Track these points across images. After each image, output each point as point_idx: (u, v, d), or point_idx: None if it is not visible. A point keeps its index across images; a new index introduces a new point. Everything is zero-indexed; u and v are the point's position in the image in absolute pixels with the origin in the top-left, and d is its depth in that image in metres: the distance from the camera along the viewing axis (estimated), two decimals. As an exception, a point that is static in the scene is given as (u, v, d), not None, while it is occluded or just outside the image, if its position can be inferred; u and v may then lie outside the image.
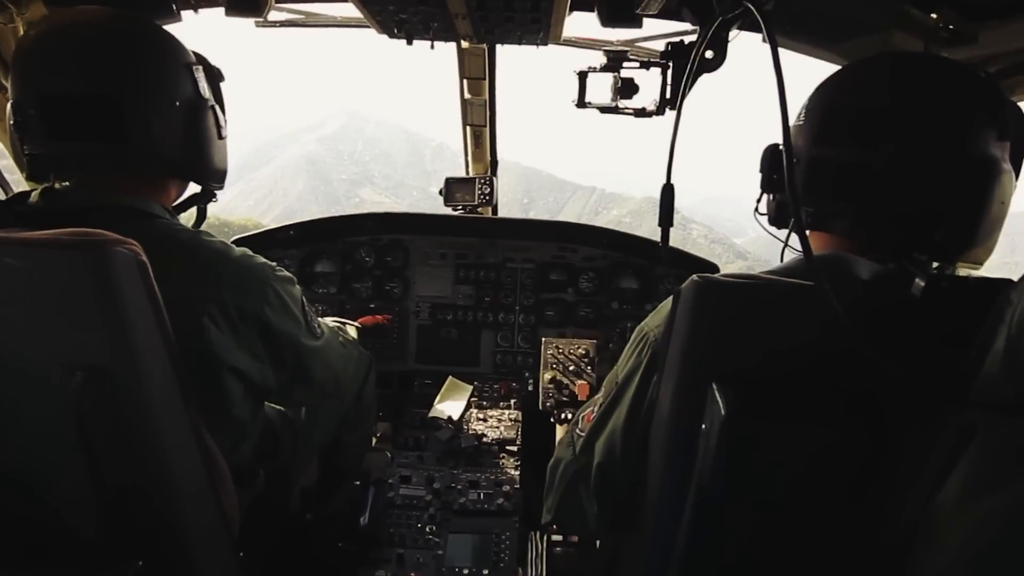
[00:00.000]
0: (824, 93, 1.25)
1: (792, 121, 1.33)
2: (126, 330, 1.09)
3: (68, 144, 1.34)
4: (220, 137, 1.54)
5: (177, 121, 1.41)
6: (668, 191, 1.40)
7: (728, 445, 0.98)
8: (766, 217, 1.41)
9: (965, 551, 0.82)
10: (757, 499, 1.05)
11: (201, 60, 1.51)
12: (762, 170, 1.35)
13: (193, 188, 1.62)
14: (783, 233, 1.38)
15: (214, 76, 1.57)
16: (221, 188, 1.62)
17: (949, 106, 1.13)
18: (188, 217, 1.60)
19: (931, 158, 1.12)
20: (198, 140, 1.47)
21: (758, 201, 1.44)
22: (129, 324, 1.09)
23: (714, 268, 2.82)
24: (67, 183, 1.37)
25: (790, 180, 0.99)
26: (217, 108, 1.53)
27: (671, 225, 1.44)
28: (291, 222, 3.02)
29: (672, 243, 1.61)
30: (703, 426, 1.03)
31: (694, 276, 1.06)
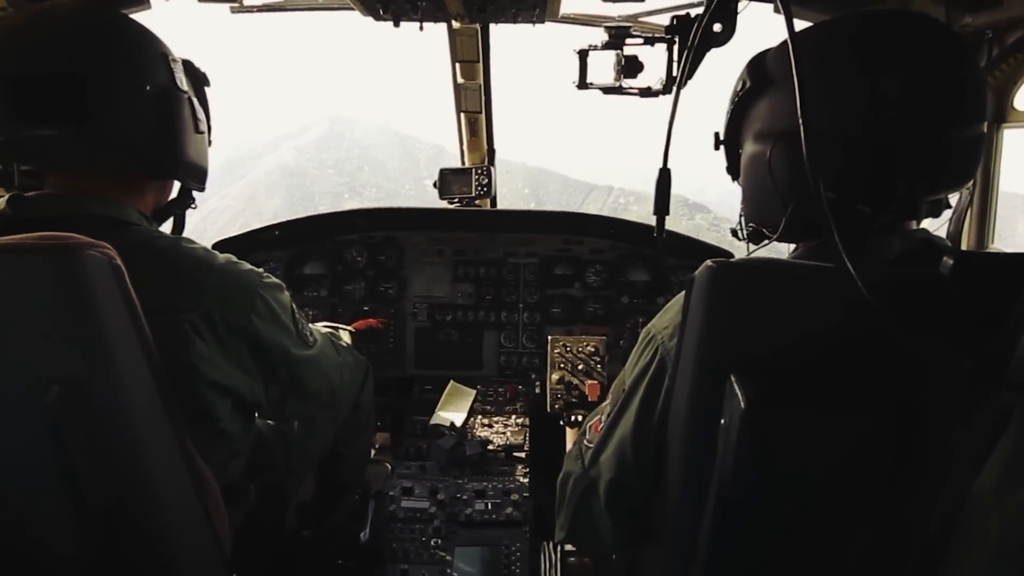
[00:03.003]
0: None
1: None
2: (102, 340, 1.09)
3: (31, 126, 1.32)
4: (198, 131, 1.53)
5: (147, 106, 1.39)
6: (664, 176, 1.40)
7: (749, 439, 0.98)
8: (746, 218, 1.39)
9: (1005, 542, 0.82)
10: (782, 496, 1.05)
11: (185, 61, 1.52)
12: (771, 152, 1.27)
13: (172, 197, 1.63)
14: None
15: (197, 77, 1.58)
16: (201, 189, 1.62)
17: (946, 62, 1.12)
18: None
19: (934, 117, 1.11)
20: (170, 129, 1.45)
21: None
22: (105, 333, 1.09)
23: (728, 256, 2.81)
24: (35, 191, 1.38)
25: (809, 155, 0.98)
26: (195, 103, 1.52)
27: (667, 212, 1.43)
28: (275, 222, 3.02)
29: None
30: (722, 421, 1.03)
31: (708, 261, 1.06)
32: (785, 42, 1.12)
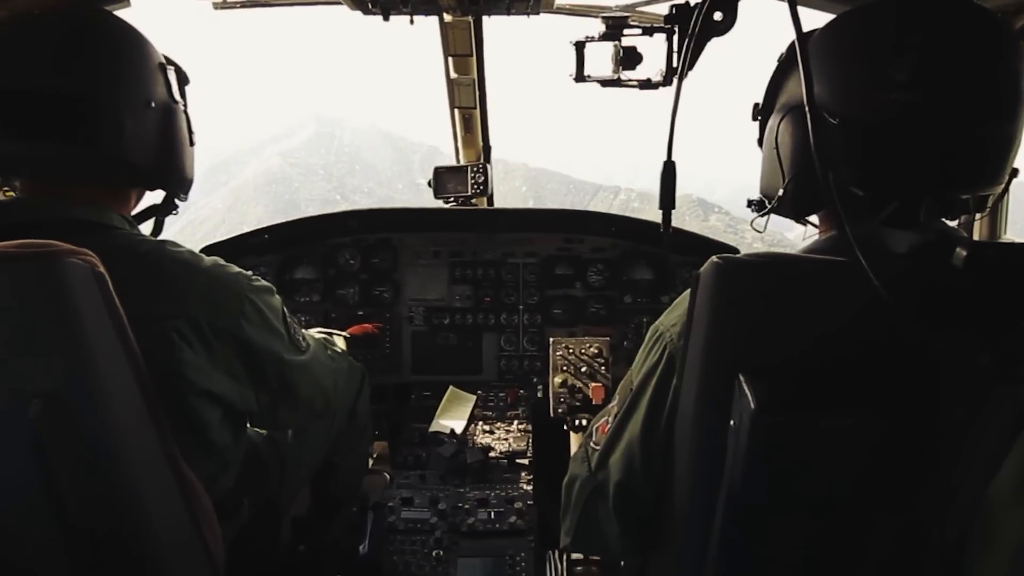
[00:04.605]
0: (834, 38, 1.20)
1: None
2: (85, 351, 1.08)
3: (27, 143, 1.32)
4: (191, 143, 1.56)
5: (151, 125, 1.41)
6: (669, 169, 1.40)
7: (760, 443, 0.98)
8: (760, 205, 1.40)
9: None
10: (794, 501, 1.04)
11: (169, 60, 1.51)
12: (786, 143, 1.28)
13: (151, 197, 1.62)
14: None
15: (181, 78, 1.57)
16: (186, 199, 1.63)
17: (979, 43, 1.09)
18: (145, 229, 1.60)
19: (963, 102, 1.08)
20: (171, 145, 1.47)
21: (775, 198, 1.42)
22: (88, 344, 1.08)
23: (734, 252, 2.81)
24: (13, 194, 1.37)
25: (817, 144, 0.98)
26: (189, 112, 1.54)
27: (673, 207, 1.43)
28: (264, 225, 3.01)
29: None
30: (731, 423, 1.03)
31: (714, 257, 1.05)
32: (832, 21, 1.18)
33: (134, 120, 1.38)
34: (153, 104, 1.41)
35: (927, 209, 1.13)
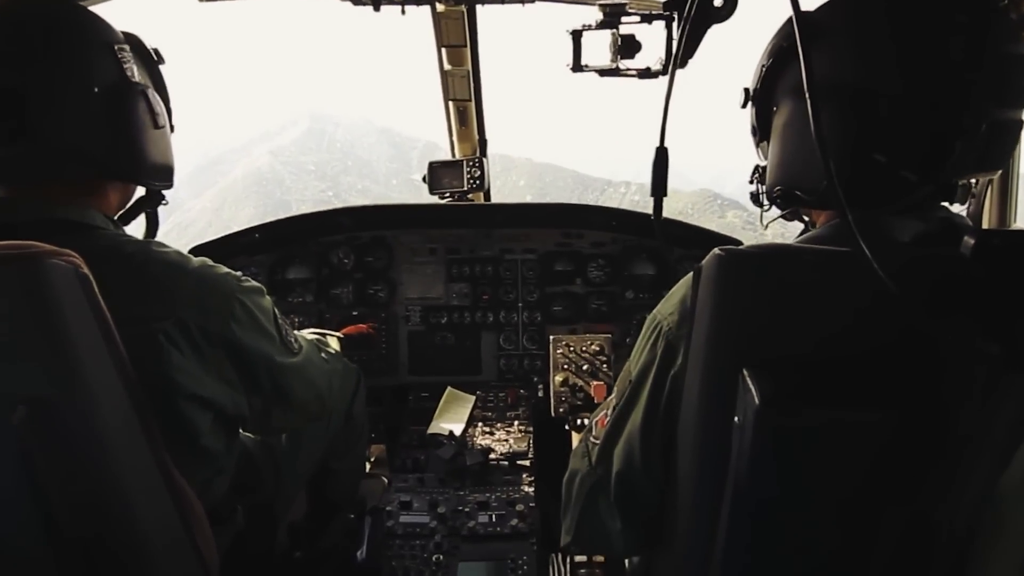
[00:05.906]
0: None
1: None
2: (70, 355, 1.08)
3: None
4: (157, 126, 1.49)
5: (98, 110, 1.36)
6: (661, 155, 1.39)
7: (765, 439, 0.98)
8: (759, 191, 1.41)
9: None
10: (800, 497, 1.04)
11: (131, 39, 1.47)
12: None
13: (139, 193, 1.61)
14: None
15: (149, 58, 1.53)
16: (168, 187, 1.60)
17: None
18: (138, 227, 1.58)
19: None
20: (127, 131, 1.42)
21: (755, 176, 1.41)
22: (73, 348, 1.08)
23: (736, 244, 2.80)
24: None
25: (817, 129, 0.98)
26: (152, 94, 1.48)
27: (664, 194, 1.43)
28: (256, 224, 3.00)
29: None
30: (735, 419, 1.03)
31: (716, 249, 1.05)
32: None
33: (76, 108, 1.33)
34: (97, 89, 1.35)
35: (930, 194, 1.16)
